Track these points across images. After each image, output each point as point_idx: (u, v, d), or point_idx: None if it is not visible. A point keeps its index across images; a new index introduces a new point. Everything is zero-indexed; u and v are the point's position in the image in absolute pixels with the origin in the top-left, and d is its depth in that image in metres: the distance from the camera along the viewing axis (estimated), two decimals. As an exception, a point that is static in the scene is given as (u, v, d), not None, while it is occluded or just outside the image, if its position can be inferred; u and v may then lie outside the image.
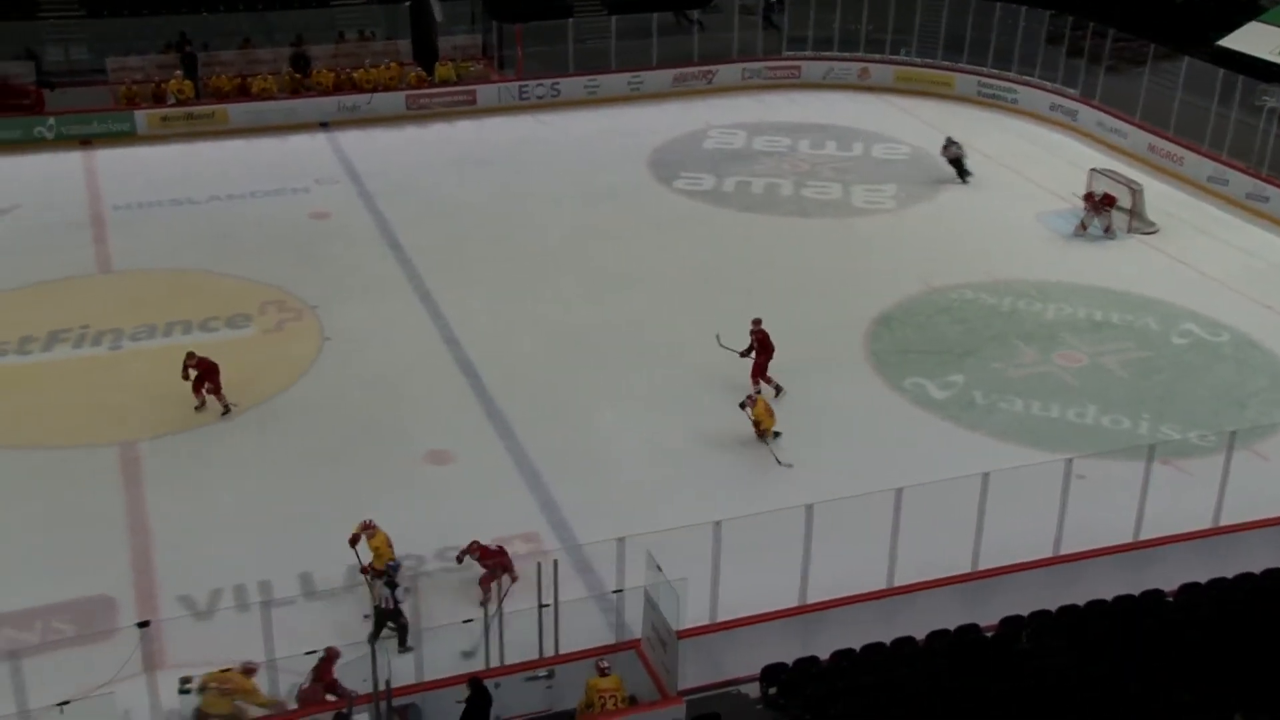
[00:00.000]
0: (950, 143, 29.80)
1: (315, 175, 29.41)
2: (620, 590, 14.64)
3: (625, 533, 14.49)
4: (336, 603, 15.47)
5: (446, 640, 13.97)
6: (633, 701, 13.56)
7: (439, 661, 13.72)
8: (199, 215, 27.22)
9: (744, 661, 14.23)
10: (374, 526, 15.74)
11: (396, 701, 12.88)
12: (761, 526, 14.69)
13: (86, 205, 27.44)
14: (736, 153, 31.64)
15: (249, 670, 13.41)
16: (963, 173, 29.55)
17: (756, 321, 20.43)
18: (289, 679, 13.74)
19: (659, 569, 13.43)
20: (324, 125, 32.78)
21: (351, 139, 31.76)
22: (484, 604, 14.89)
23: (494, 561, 15.68)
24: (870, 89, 36.37)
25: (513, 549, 16.11)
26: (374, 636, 14.55)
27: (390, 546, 15.64)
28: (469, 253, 25.54)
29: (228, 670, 13.36)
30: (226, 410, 19.52)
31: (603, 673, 13.30)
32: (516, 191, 28.70)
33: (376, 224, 26.96)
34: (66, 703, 12.61)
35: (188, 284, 24.02)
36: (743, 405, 18.82)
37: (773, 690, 13.72)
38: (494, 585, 15.50)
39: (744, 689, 14.08)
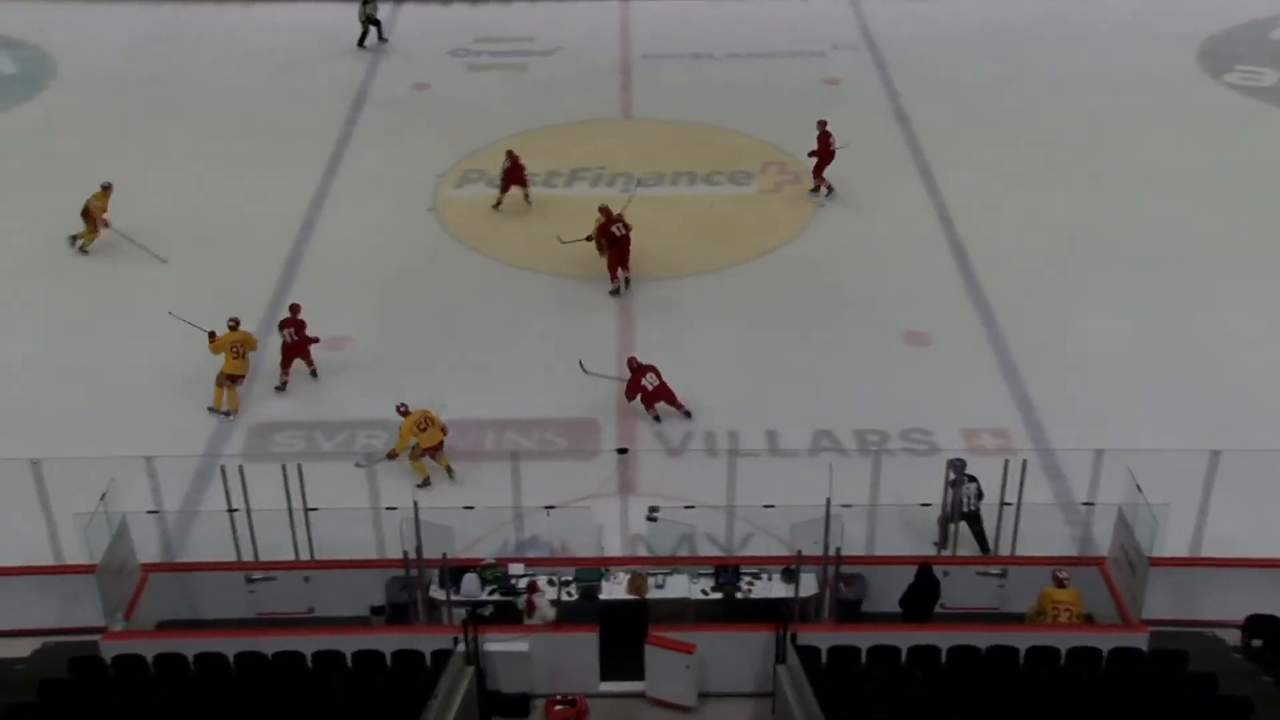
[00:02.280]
0: None
1: (833, 40, 29.25)
2: (1091, 503, 13.85)
3: (1099, 445, 13.62)
4: (797, 463, 15.75)
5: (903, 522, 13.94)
6: (1089, 620, 12.92)
7: (891, 538, 13.74)
8: (716, 70, 27.97)
9: (1221, 605, 13.09)
10: (407, 409, 15.53)
11: (846, 569, 13.10)
12: (1271, 466, 13.26)
13: (619, 53, 28.98)
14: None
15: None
16: None
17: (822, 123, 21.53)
18: (743, 527, 14.35)
19: (1138, 489, 12.54)
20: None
21: (875, 6, 31.11)
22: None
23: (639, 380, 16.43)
24: None
25: (980, 441, 15.69)
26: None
27: (423, 427, 15.34)
28: (973, 135, 24.51)
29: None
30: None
31: (1060, 583, 12.73)
32: (1031, 74, 27.00)
33: (888, 95, 26.47)
34: (553, 507, 13.97)
35: (696, 137, 24.90)
36: None
37: (1257, 643, 12.52)
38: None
39: (1219, 633, 12.97)
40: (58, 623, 13.27)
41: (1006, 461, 13.46)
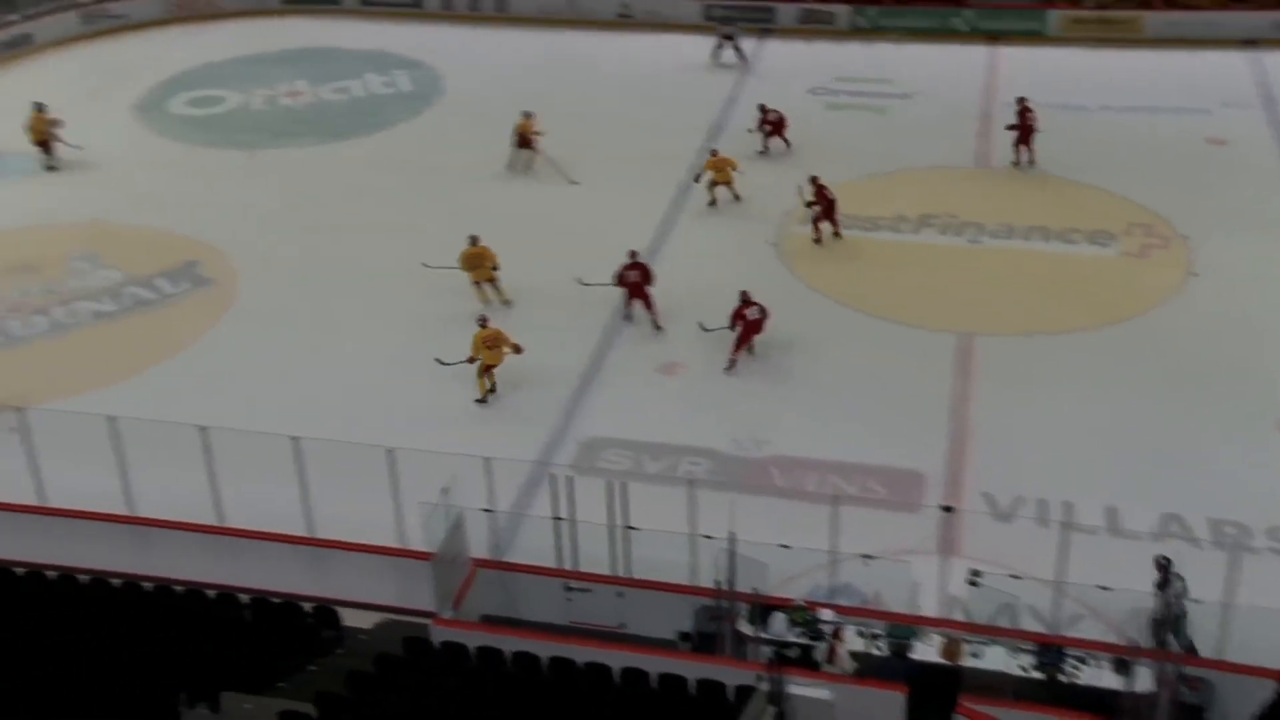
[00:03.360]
0: None
1: (1222, 98, 27.26)
2: None
3: None
4: (1140, 547, 14.65)
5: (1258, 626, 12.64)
6: None
7: (1253, 644, 12.48)
8: (1087, 123, 26.71)
9: None
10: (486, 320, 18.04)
11: (1191, 671, 12.03)
12: None
13: (979, 99, 28.22)
14: None
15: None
16: None
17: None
18: (1072, 606, 13.45)
19: None
20: (1249, 43, 30.04)
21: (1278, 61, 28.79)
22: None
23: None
24: None
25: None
26: None
27: (490, 345, 17.60)
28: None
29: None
30: None
31: None
32: None
33: (1280, 158, 24.44)
34: (870, 557, 13.63)
35: (1055, 190, 23.85)
36: None
37: None
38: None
39: None
40: (395, 601, 14.16)
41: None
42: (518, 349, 17.98)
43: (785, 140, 25.55)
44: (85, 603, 13.25)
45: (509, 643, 12.41)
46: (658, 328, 19.65)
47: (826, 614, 13.43)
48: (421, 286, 20.76)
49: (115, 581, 13.92)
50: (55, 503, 15.14)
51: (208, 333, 20.04)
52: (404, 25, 33.90)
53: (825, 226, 22.02)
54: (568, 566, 14.18)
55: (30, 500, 15.14)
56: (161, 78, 30.43)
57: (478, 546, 14.06)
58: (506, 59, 31.46)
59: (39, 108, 25.70)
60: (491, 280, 20.41)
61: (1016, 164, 24.51)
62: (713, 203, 23.46)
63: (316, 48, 32.23)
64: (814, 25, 32.83)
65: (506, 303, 20.33)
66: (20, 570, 13.94)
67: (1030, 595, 13.48)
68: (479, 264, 20.25)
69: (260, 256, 22.09)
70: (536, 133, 24.89)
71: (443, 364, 18.09)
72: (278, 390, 18.12)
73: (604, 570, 14.04)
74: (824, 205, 21.89)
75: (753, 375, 18.66)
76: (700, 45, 30.97)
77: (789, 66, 30.56)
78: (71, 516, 15.02)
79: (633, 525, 13.86)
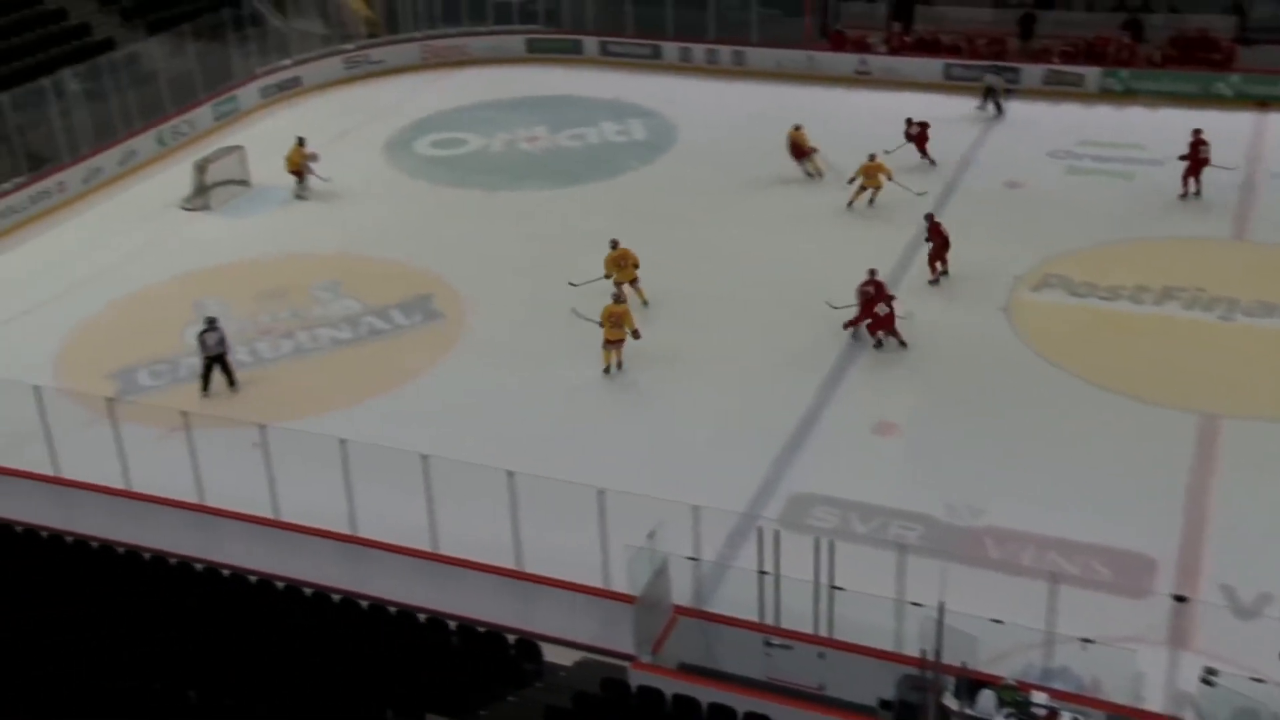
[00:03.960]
0: None
1: None
2: None
3: None
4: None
5: None
6: None
7: None
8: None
9: None
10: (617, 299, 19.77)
11: None
12: None
13: (1244, 168, 26.63)
14: None
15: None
16: None
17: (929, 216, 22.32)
18: None
19: None
20: None
21: None
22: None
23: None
24: None
25: None
26: None
27: (614, 323, 19.30)
28: None
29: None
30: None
31: None
32: None
33: None
34: (1091, 641, 12.88)
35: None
36: None
37: None
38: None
39: None
40: (595, 640, 14.26)
41: None
42: (636, 334, 19.59)
43: (928, 157, 27.09)
44: (307, 614, 13.87)
45: (706, 693, 12.29)
46: (880, 344, 20.34)
47: (1039, 696, 12.73)
48: (639, 326, 21.12)
49: (335, 597, 14.56)
50: (287, 516, 15.93)
51: (435, 365, 20.81)
52: (642, 75, 34.71)
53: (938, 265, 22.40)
54: (769, 621, 13.96)
55: (266, 513, 15.97)
56: (410, 120, 32.07)
57: (680, 593, 14.00)
58: (740, 111, 31.76)
59: (300, 142, 27.52)
60: (633, 281, 21.51)
61: (1184, 195, 25.14)
62: (851, 204, 25.23)
63: (556, 95, 33.32)
64: (1061, 87, 31.88)
65: (645, 303, 21.54)
66: (253, 578, 14.76)
67: (1277, 703, 12.46)
68: (623, 265, 21.45)
69: (490, 293, 22.86)
70: (812, 147, 26.86)
71: (573, 285, 21.17)
72: (496, 424, 18.66)
73: (806, 628, 13.75)
74: (938, 242, 22.15)
75: (971, 442, 18.06)
76: (939, 103, 30.50)
77: (1030, 127, 29.76)
78: (300, 532, 15.78)
79: (838, 585, 13.54)
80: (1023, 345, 20.56)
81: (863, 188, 25.07)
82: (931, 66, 33.02)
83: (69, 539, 15.87)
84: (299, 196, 27.39)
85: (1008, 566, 15.35)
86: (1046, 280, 22.38)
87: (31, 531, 16.06)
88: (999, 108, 30.41)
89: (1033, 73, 32.15)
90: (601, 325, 19.60)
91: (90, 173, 28.37)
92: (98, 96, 29.32)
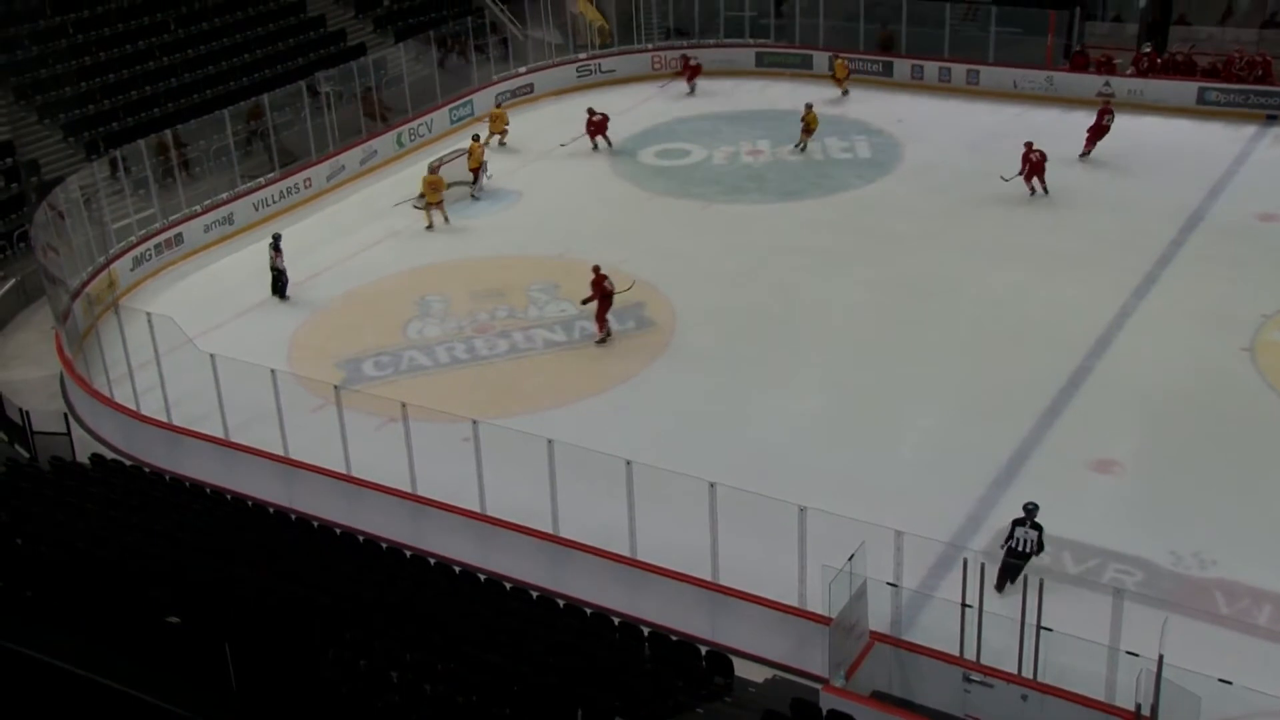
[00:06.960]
0: None
1: None
2: None
3: None
4: None
5: None
6: None
7: None
8: None
9: None
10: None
11: None
12: None
13: None
14: None
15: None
16: None
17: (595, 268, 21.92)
18: None
19: None
20: None
21: None
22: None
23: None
24: None
25: None
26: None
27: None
28: None
29: None
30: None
31: None
32: None
33: None
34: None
35: None
36: None
37: None
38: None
39: None
40: (788, 659, 14.04)
41: None
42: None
43: (1044, 185, 26.27)
44: (507, 611, 14.15)
45: (899, 726, 11.93)
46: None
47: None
48: (849, 347, 20.77)
49: (533, 593, 14.82)
50: (493, 511, 16.31)
51: (641, 371, 20.95)
52: (872, 92, 34.15)
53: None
54: (969, 656, 13.43)
55: (473, 507, 16.39)
56: (637, 129, 32.47)
57: (878, 619, 13.64)
58: (971, 131, 30.84)
59: (475, 138, 29.21)
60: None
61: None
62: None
63: (781, 110, 33.12)
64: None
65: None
66: (457, 569, 15.18)
67: None
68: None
69: (701, 304, 22.88)
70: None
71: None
72: (700, 434, 18.63)
73: (1009, 668, 13.16)
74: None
75: (1203, 488, 16.97)
76: (1184, 128, 28.86)
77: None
78: (504, 527, 16.12)
79: (1046, 625, 12.89)
80: (1268, 388, 19.20)
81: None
82: (1184, 90, 31.26)
83: (293, 516, 16.71)
84: (474, 197, 28.33)
85: (1239, 624, 14.34)
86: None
87: (260, 506, 17.01)
88: None
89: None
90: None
91: (334, 169, 29.94)
92: (346, 98, 30.97)
